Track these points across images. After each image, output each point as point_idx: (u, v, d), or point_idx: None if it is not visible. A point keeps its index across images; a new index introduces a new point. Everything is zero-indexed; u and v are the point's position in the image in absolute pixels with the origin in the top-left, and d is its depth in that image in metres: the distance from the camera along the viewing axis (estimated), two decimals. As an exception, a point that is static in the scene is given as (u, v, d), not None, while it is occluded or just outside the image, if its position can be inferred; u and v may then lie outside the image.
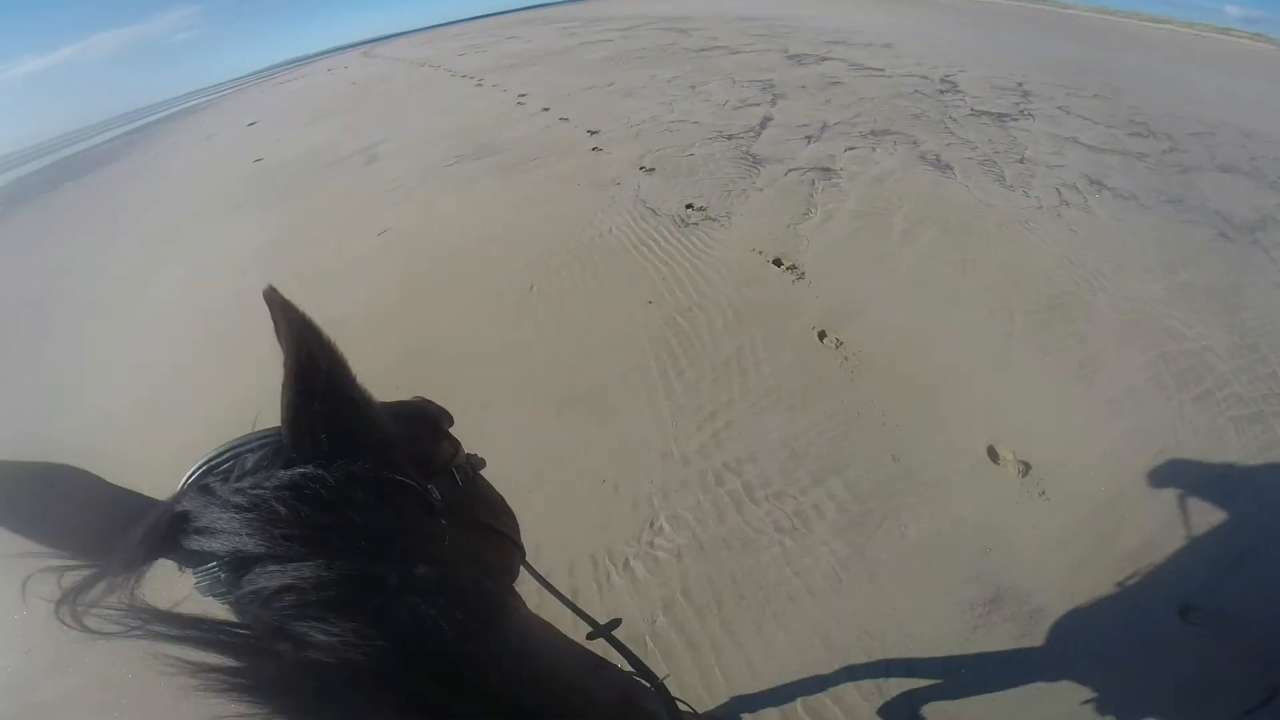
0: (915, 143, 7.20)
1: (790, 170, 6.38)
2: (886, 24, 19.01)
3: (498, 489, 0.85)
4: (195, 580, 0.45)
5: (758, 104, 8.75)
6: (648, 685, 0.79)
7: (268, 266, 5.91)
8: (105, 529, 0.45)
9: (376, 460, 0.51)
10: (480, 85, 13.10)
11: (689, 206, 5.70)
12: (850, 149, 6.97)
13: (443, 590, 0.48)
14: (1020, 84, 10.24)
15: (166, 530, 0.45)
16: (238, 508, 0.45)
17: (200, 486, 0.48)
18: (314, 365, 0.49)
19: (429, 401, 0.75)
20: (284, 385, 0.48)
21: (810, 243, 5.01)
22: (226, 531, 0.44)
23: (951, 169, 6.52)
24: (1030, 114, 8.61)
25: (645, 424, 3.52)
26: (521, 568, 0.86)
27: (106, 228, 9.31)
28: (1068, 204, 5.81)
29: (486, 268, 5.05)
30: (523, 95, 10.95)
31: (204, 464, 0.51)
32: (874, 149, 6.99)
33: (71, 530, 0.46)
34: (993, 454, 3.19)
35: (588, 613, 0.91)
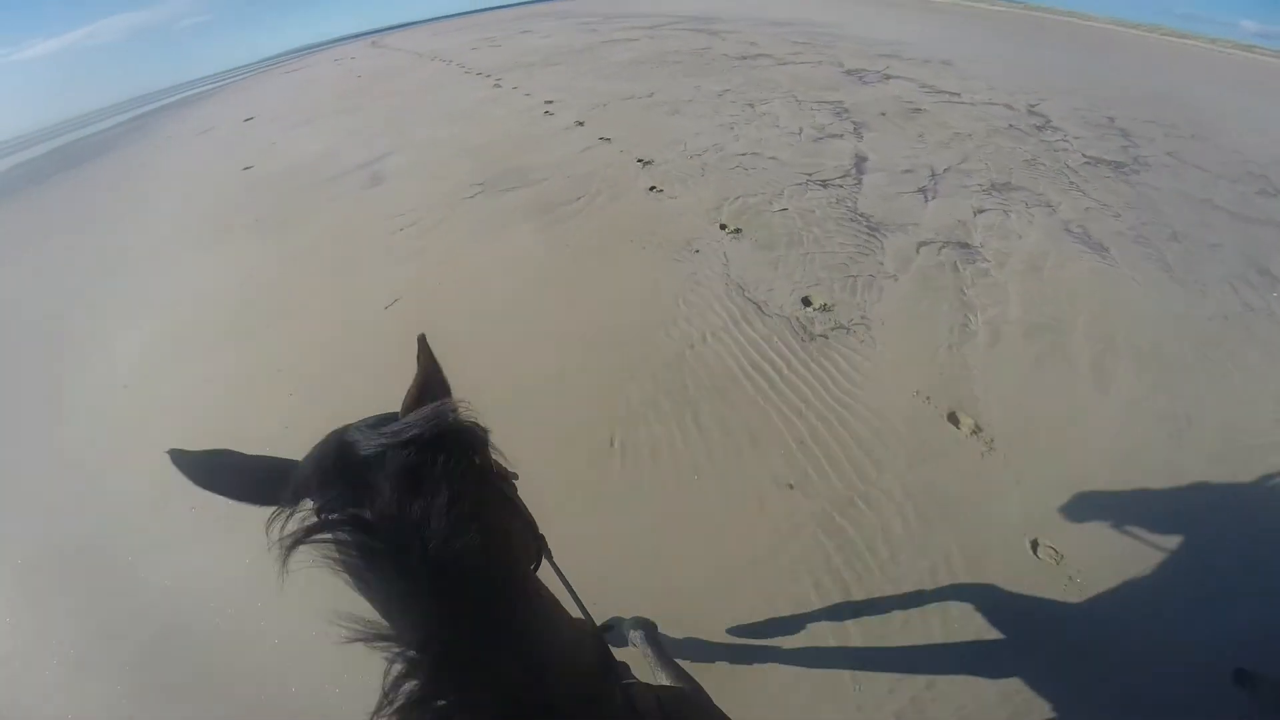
0: (1050, 205, 5.58)
1: (921, 244, 4.74)
2: (926, 34, 17.21)
3: None
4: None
5: (840, 135, 7.06)
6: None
7: (230, 355, 4.23)
8: (263, 482, 0.61)
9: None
10: (499, 86, 11.27)
11: (807, 303, 4.04)
12: (980, 211, 5.34)
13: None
14: (1111, 119, 8.62)
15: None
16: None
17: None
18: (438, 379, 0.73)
19: (479, 423, 0.78)
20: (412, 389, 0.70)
21: (984, 381, 3.40)
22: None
23: (1107, 250, 4.91)
24: (1144, 163, 7.02)
25: (820, 689, 1.99)
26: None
27: (58, 251, 7.53)
28: (1252, 309, 4.27)
29: (540, 390, 3.41)
30: (549, 103, 9.18)
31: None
32: (1006, 212, 5.37)
33: (242, 486, 0.63)
34: None
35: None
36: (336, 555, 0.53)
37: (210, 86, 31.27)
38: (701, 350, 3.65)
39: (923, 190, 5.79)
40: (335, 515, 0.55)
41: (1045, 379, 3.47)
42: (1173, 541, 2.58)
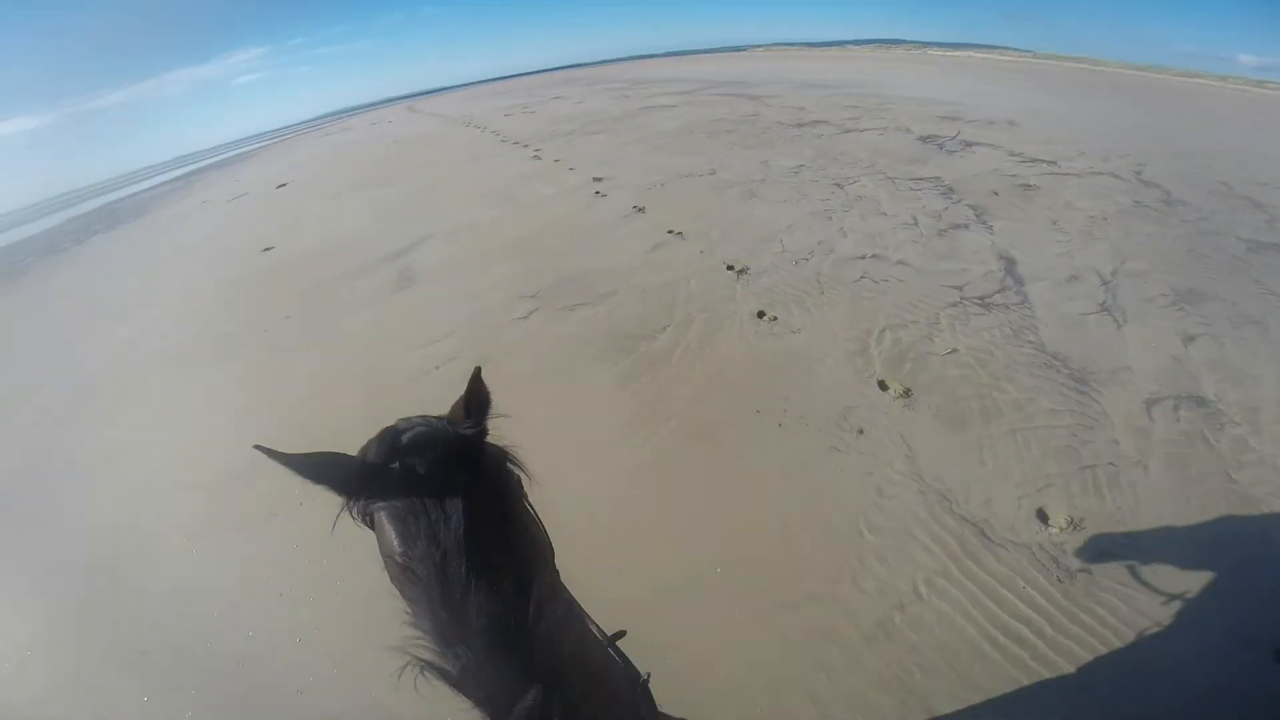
0: (1255, 320, 4.01)
1: (1149, 403, 3.17)
2: (968, 90, 15.99)
3: None
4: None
5: (964, 224, 5.57)
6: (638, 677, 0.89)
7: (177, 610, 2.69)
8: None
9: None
10: (539, 158, 10.09)
11: (1045, 518, 2.55)
12: (1189, 339, 3.77)
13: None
14: (1226, 184, 7.07)
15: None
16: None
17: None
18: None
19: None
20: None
21: None
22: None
23: None
24: None
25: None
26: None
27: (54, 344, 6.21)
28: None
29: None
30: (599, 180, 7.88)
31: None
32: (1217, 338, 3.79)
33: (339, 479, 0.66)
34: None
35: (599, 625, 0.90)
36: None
37: (258, 145, 31.25)
38: (917, 612, 2.09)
39: (1105, 308, 4.21)
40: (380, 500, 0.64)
41: None
42: None
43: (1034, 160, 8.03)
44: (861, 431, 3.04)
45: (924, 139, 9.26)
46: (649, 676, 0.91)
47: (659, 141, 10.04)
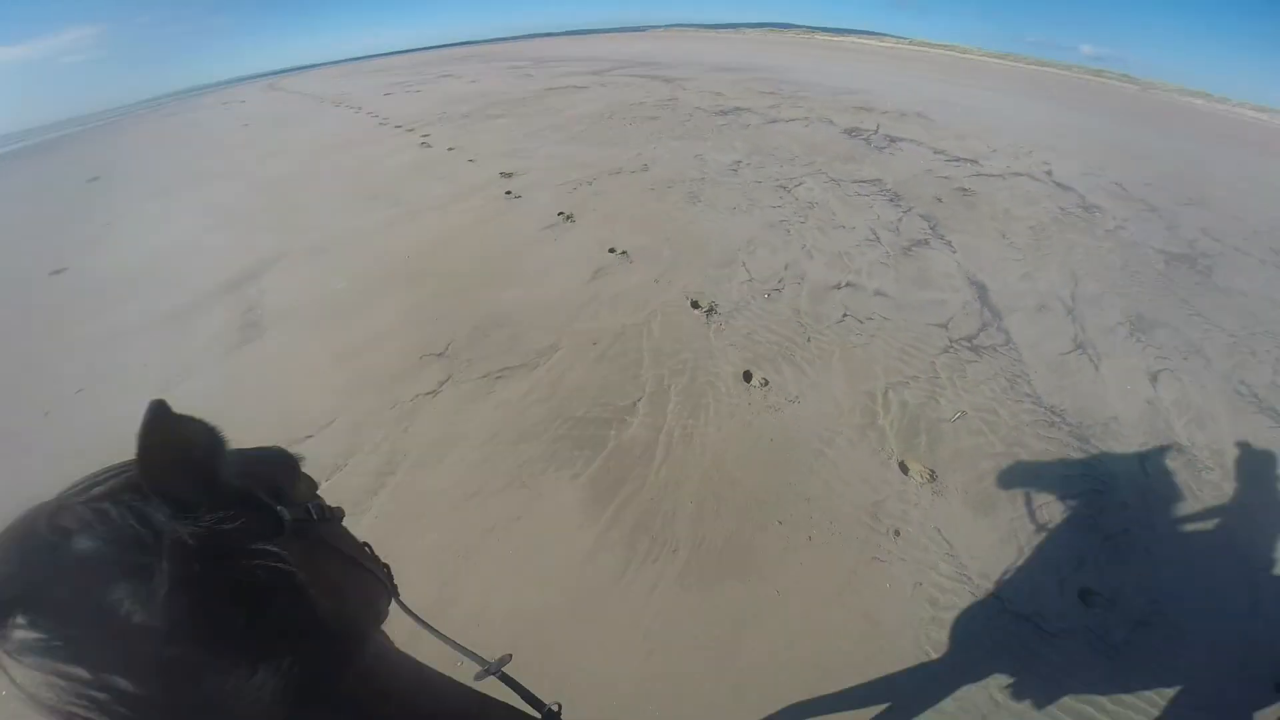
0: (1200, 353, 3.95)
1: (1145, 459, 2.95)
2: (862, 76, 16.20)
3: None
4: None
5: (924, 240, 5.07)
6: (538, 716, 0.73)
7: None
8: None
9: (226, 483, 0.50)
10: (427, 145, 8.48)
11: (1087, 598, 2.31)
12: (1154, 376, 3.58)
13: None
14: (1121, 186, 7.36)
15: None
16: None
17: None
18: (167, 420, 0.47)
19: (284, 449, 0.69)
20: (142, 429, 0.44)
21: None
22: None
23: None
24: (1208, 254, 5.70)
25: None
26: (398, 608, 0.78)
27: None
28: None
29: None
30: (508, 175, 6.59)
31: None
32: (1179, 377, 3.67)
33: None
34: None
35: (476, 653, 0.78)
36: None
37: (79, 129, 25.10)
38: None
39: (1080, 345, 3.88)
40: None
41: None
42: None
43: (958, 159, 7.85)
44: (898, 533, 2.44)
45: (849, 132, 8.85)
46: (559, 708, 0.74)
47: (576, 128, 8.78)
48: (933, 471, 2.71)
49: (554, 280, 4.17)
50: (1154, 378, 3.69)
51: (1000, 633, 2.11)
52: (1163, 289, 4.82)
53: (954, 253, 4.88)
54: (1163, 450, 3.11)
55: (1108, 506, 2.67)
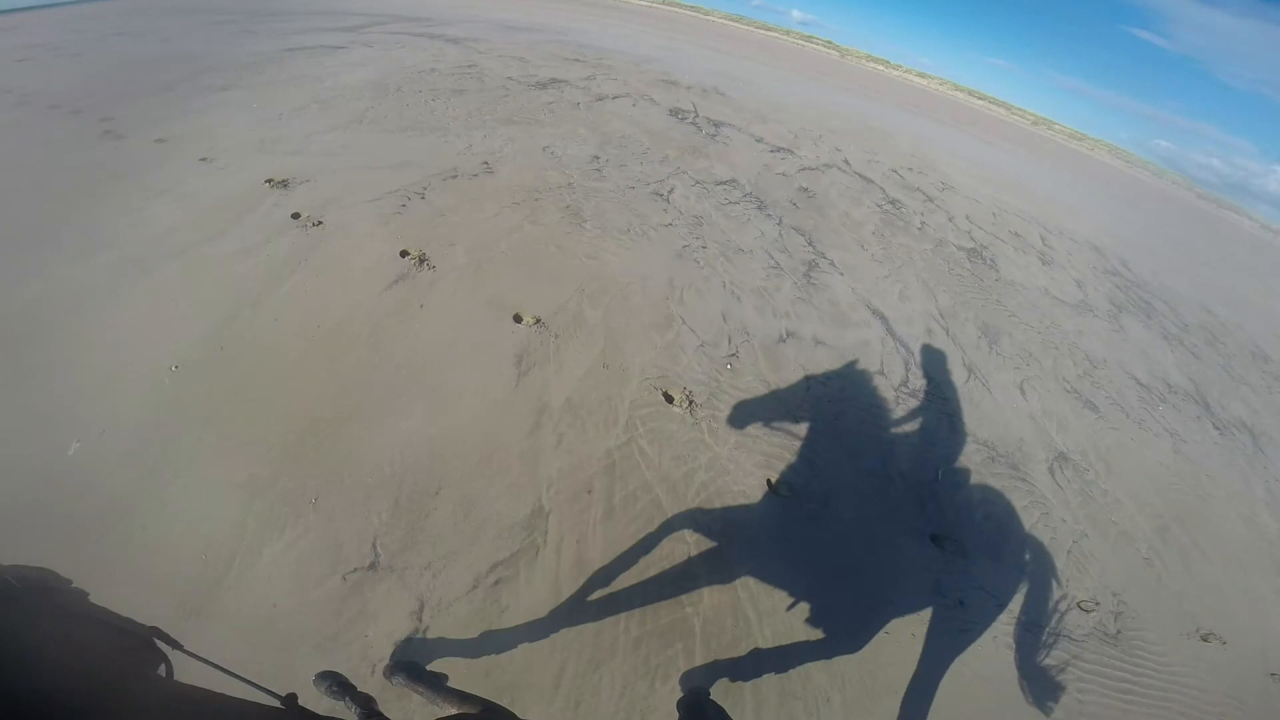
0: (1033, 356, 4.84)
1: (1055, 472, 3.56)
2: (646, 41, 16.09)
3: None
4: None
5: (814, 262, 4.99)
6: None
7: None
8: None
9: None
10: (112, 134, 5.54)
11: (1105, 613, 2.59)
12: (1021, 388, 4.30)
13: None
14: (897, 171, 8.73)
15: None
16: None
17: None
18: None
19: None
20: None
21: None
22: None
23: (1108, 410, 4.34)
24: (991, 257, 7.09)
25: None
26: (183, 654, 0.80)
27: None
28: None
29: None
30: (279, 183, 4.52)
31: None
32: (1033, 386, 4.41)
33: None
34: None
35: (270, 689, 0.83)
36: None
37: None
38: None
39: (970, 370, 4.27)
40: None
41: None
42: None
43: (778, 149, 8.12)
44: (962, 602, 2.44)
45: (675, 114, 8.46)
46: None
47: (355, 105, 6.55)
48: (960, 545, 2.58)
49: (460, 386, 2.83)
50: (1023, 390, 4.19)
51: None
52: (961, 288, 5.57)
53: (842, 275, 4.89)
54: (1058, 461, 3.53)
55: (1054, 521, 2.95)
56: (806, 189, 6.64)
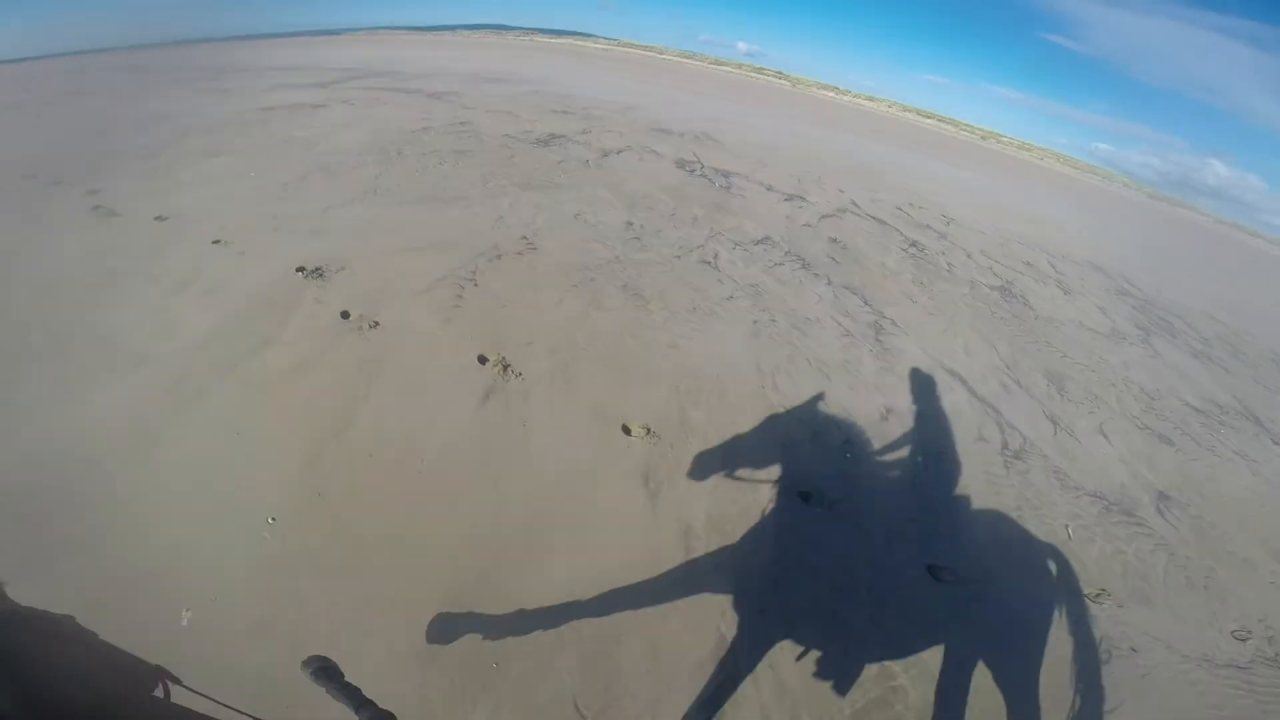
0: (1097, 397, 4.94)
1: (1164, 511, 3.50)
2: (624, 87, 16.48)
3: None
4: None
5: (877, 323, 4.99)
6: None
7: None
8: None
9: None
10: (104, 210, 5.17)
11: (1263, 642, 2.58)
12: (1103, 432, 4.48)
13: None
14: (903, 209, 9.02)
15: None
16: None
17: None
18: None
19: None
20: None
21: None
22: None
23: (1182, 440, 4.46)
24: (1016, 292, 7.32)
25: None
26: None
27: None
28: None
29: None
30: (313, 272, 4.24)
31: None
32: (1114, 428, 4.59)
33: None
34: None
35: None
36: None
37: None
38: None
39: (1053, 421, 4.34)
40: None
41: None
42: None
43: (790, 196, 8.28)
44: (1134, 649, 2.53)
45: (682, 166, 8.56)
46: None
47: (363, 173, 6.32)
48: (1115, 600, 2.66)
49: (595, 517, 2.60)
50: (1104, 434, 4.24)
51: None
52: (1026, 333, 5.70)
53: (908, 335, 4.91)
54: (1160, 500, 3.65)
55: (1177, 553, 2.87)
56: (835, 239, 6.73)
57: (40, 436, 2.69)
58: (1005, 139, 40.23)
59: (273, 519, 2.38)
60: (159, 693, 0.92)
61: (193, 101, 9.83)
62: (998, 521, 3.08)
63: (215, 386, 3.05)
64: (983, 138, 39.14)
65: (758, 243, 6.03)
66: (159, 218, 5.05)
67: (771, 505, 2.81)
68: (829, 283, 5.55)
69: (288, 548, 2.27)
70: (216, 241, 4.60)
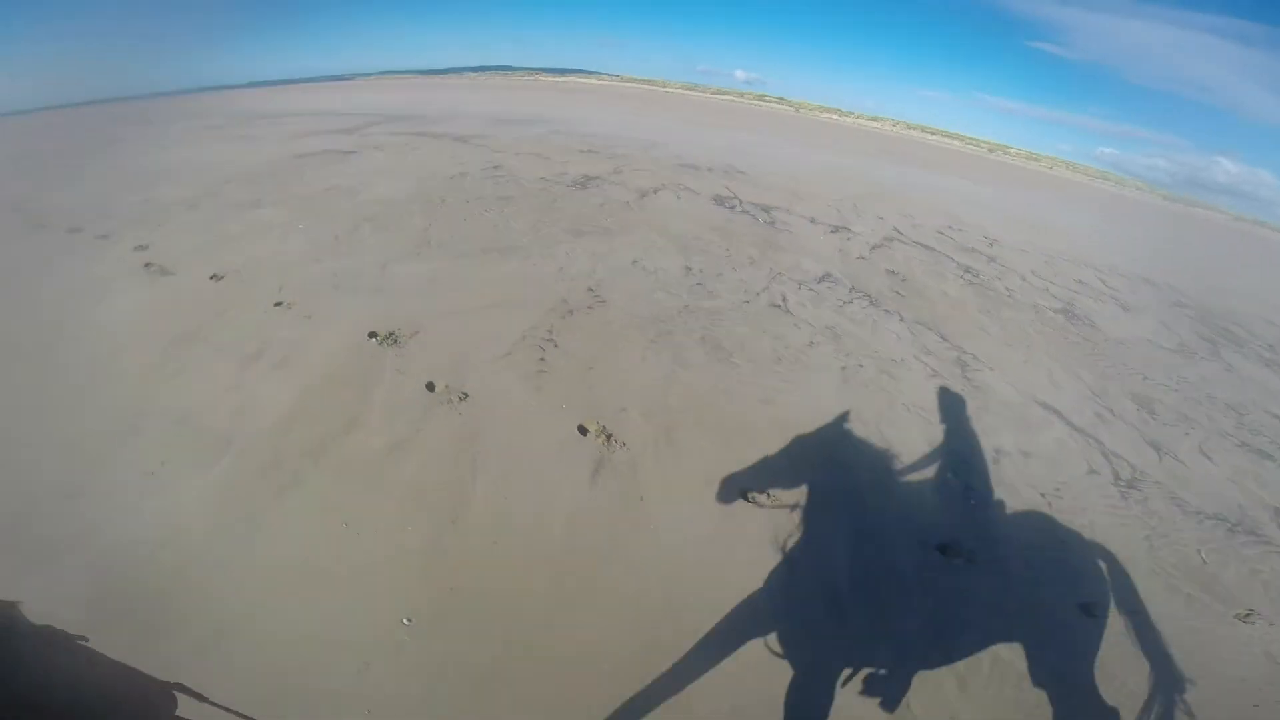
0: (1188, 419, 4.83)
1: None
2: (642, 124, 16.72)
3: None
4: None
5: (957, 359, 4.84)
6: None
7: None
8: None
9: None
10: (157, 270, 5.15)
11: None
12: (1204, 453, 4.41)
13: None
14: (945, 233, 8.91)
15: None
16: None
17: None
18: None
19: None
20: None
21: None
22: None
23: None
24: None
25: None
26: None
27: None
28: None
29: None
30: (387, 338, 4.15)
31: None
32: (1215, 447, 4.41)
33: None
34: None
35: None
36: None
37: None
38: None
39: (1154, 446, 4.17)
40: None
41: None
42: None
43: (837, 228, 8.22)
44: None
45: (720, 203, 8.55)
46: None
47: (415, 224, 6.31)
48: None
49: (741, 596, 2.44)
50: (1206, 454, 4.06)
51: None
52: (1102, 357, 5.53)
53: (993, 370, 4.75)
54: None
55: None
56: (893, 271, 6.63)
57: (133, 527, 2.56)
58: (1013, 150, 40.45)
59: (408, 619, 2.21)
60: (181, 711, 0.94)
61: (222, 149, 10.00)
62: (1132, 553, 3.02)
63: (311, 473, 2.92)
64: (989, 150, 39.41)
65: (820, 280, 5.93)
66: (214, 276, 5.02)
67: (912, 563, 2.65)
68: (901, 319, 5.42)
69: (432, 653, 2.10)
70: (278, 304, 4.54)
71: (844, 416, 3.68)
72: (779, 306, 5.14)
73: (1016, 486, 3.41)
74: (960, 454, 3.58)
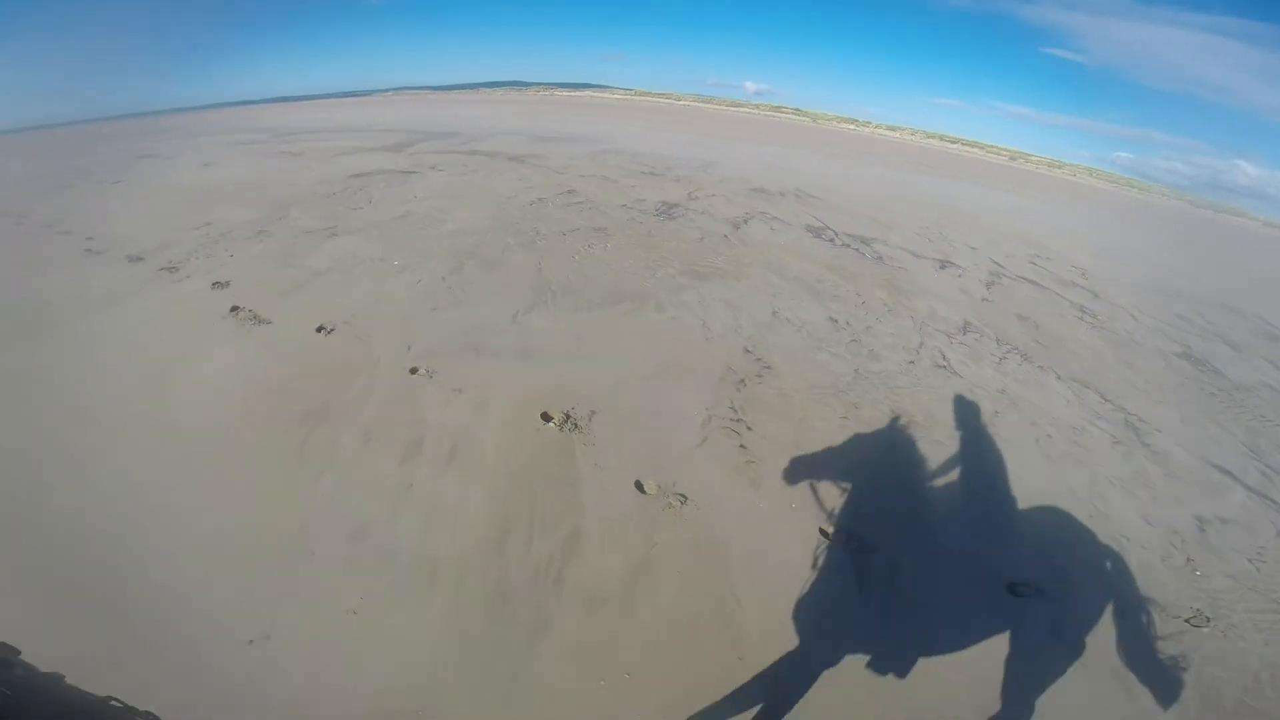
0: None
1: None
2: (684, 140, 16.51)
3: None
4: None
5: (1130, 423, 4.62)
6: None
7: None
8: None
9: None
10: (247, 316, 4.82)
11: None
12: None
13: None
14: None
15: None
16: None
17: None
18: None
19: None
20: None
21: None
22: None
23: None
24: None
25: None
26: None
27: None
28: None
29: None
30: (568, 423, 3.85)
31: None
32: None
33: None
34: None
35: None
36: None
37: None
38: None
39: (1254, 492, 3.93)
40: None
41: None
42: None
43: (943, 263, 7.99)
44: None
45: (816, 234, 8.30)
46: None
47: (524, 263, 6.01)
48: None
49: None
50: None
51: None
52: (1238, 406, 5.33)
53: (1159, 431, 4.59)
54: None
55: None
56: (1025, 317, 6.43)
57: (362, 681, 2.23)
58: (1034, 158, 40.58)
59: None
60: None
61: (268, 167, 9.67)
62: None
63: (555, 608, 2.59)
64: (1010, 158, 39.52)
65: (965, 331, 5.69)
66: (321, 329, 4.70)
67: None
68: (1058, 377, 5.19)
69: None
70: (414, 370, 4.22)
71: (1062, 496, 3.50)
72: (943, 368, 4.89)
73: (1229, 559, 3.27)
74: (1172, 526, 3.42)
